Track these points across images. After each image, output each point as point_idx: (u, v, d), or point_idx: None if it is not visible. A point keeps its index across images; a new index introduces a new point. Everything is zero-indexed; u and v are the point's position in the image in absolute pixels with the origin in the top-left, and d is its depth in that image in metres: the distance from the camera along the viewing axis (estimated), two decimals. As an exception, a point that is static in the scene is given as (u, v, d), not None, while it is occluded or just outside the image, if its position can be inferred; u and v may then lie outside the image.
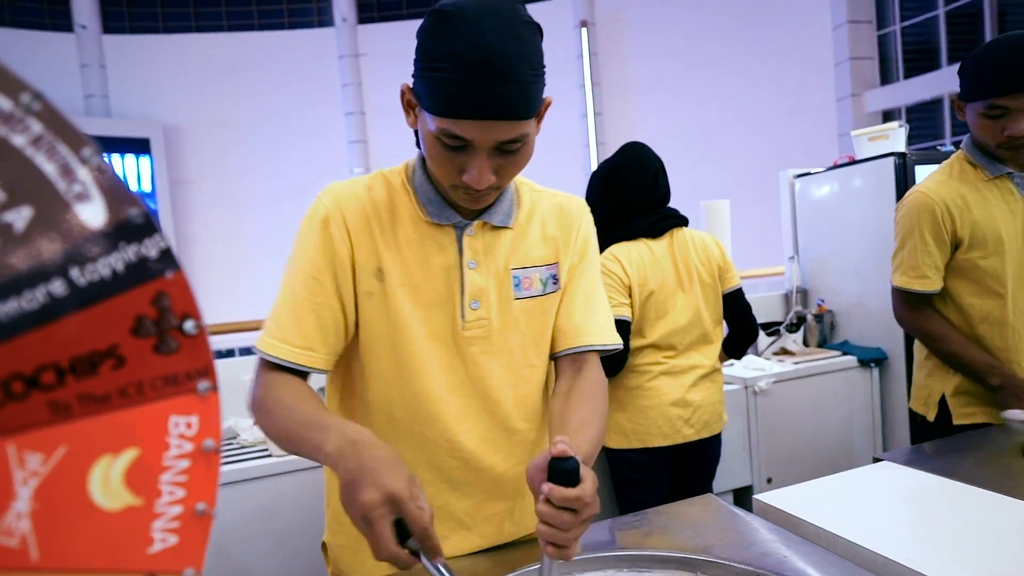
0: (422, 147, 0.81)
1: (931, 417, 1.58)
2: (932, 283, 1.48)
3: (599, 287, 0.96)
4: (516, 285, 0.89)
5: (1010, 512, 0.94)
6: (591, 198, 1.96)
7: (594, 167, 9.32)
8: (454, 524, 0.92)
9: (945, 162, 1.53)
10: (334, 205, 0.84)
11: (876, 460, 1.26)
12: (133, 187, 8.20)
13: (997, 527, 0.90)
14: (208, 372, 0.51)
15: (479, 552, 0.94)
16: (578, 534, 0.66)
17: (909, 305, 1.53)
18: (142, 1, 8.69)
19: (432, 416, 0.87)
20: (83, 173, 0.44)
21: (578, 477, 0.65)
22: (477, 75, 0.70)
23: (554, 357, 0.94)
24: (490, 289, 0.87)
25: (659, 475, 1.86)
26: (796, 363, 2.58)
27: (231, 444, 2.02)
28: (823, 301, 2.88)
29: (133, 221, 0.46)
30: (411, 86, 0.79)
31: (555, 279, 0.92)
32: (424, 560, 0.63)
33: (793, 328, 2.71)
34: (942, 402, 1.55)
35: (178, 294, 0.47)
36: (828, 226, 2.90)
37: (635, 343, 1.81)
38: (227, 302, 8.62)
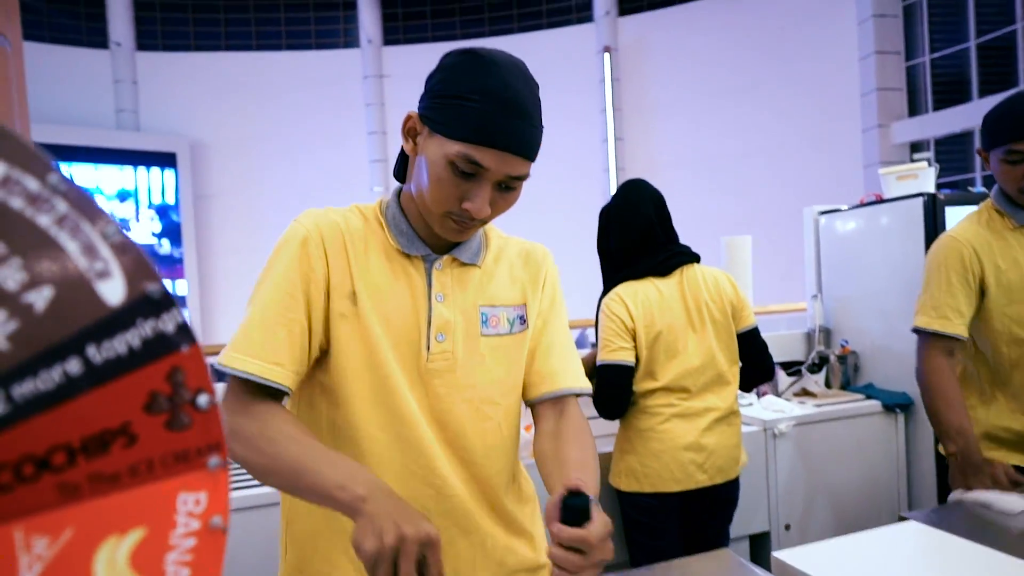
0: (422, 173, 0.83)
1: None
2: (952, 326, 1.47)
3: (569, 333, 1.00)
4: (484, 322, 0.91)
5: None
6: (598, 239, 1.94)
7: (614, 192, 9.33)
8: None
9: (974, 210, 1.56)
10: (313, 226, 0.87)
11: (902, 519, 1.22)
12: (157, 200, 8.35)
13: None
14: (219, 447, 0.50)
15: None
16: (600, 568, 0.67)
17: (925, 348, 1.52)
18: (176, 20, 8.92)
19: (410, 441, 0.87)
20: (105, 251, 0.44)
21: (587, 515, 0.66)
22: (506, 111, 0.77)
23: (533, 403, 0.96)
24: (457, 324, 0.89)
25: (670, 520, 1.81)
26: (818, 405, 2.52)
27: (236, 467, 2.01)
28: (847, 342, 2.83)
29: (152, 296, 0.45)
30: (420, 115, 0.83)
31: (523, 319, 0.95)
32: None
33: (815, 369, 2.65)
34: None
35: (192, 368, 0.47)
36: (853, 265, 2.85)
37: (647, 385, 1.77)
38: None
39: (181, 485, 0.47)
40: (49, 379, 0.43)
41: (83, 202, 0.44)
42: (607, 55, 8.95)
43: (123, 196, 8.29)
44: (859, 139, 7.44)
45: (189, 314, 8.48)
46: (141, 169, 8.33)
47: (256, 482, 1.82)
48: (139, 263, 0.45)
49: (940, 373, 1.49)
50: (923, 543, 1.07)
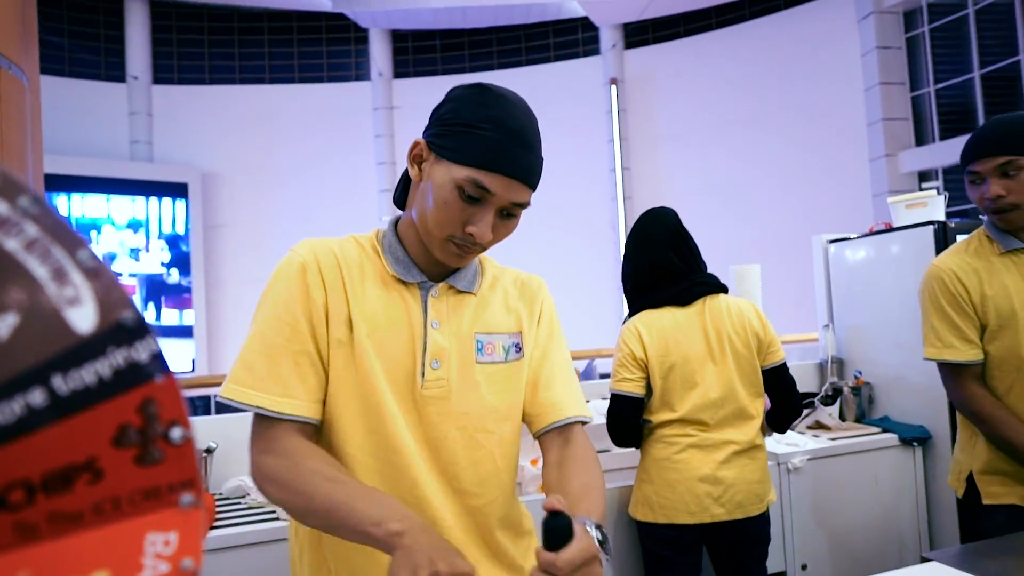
0: (427, 198, 0.85)
1: (960, 494, 1.55)
2: (962, 352, 1.48)
3: (570, 363, 1.01)
4: (479, 349, 0.91)
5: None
6: (622, 267, 1.93)
7: (621, 221, 9.30)
8: None
9: (966, 237, 1.60)
10: (310, 254, 0.88)
11: (924, 559, 1.16)
12: (168, 230, 8.44)
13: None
14: (193, 484, 0.47)
15: None
16: None
17: (952, 379, 1.51)
18: (192, 54, 9.13)
19: (401, 469, 0.87)
20: (77, 276, 0.42)
21: (568, 536, 0.65)
22: (513, 140, 0.82)
23: (538, 435, 0.95)
24: (452, 351, 0.89)
25: (688, 554, 1.75)
26: (832, 439, 2.46)
27: (238, 504, 1.97)
28: (860, 373, 2.77)
29: (125, 324, 0.43)
30: (428, 142, 0.86)
31: (518, 347, 0.95)
32: None
33: (829, 401, 2.59)
34: (970, 479, 1.53)
35: (166, 400, 0.45)
36: (864, 294, 2.80)
37: (664, 416, 1.74)
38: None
39: (150, 524, 0.44)
40: (9, 411, 0.40)
41: (56, 227, 0.42)
42: (614, 87, 9.06)
43: (134, 226, 8.38)
44: (867, 168, 7.43)
45: (196, 344, 8.49)
46: (152, 199, 8.44)
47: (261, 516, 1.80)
48: (113, 289, 0.43)
49: (983, 400, 1.47)
50: None
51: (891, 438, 2.50)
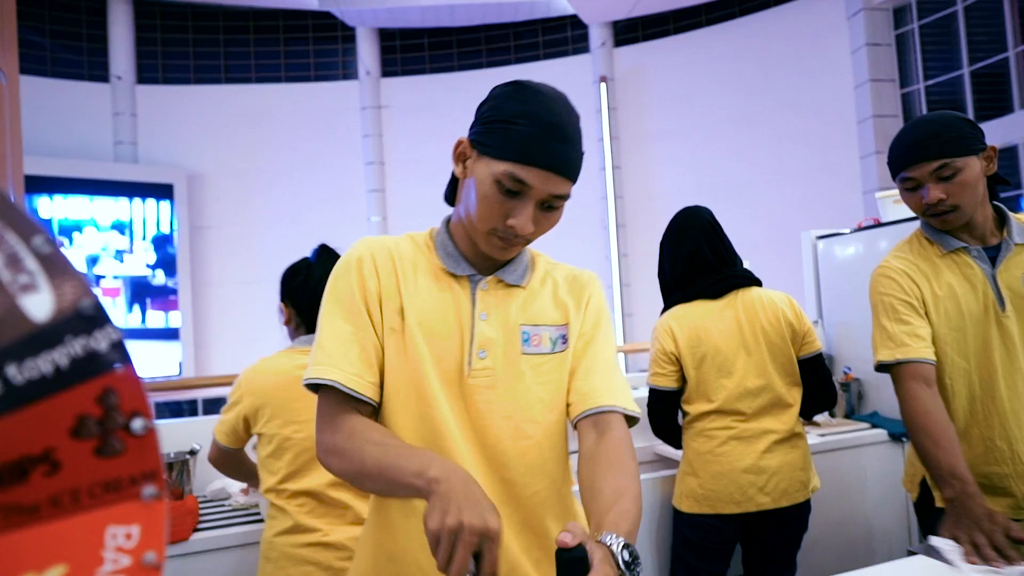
0: (470, 194, 0.89)
1: (914, 497, 1.52)
2: (914, 350, 1.37)
3: (615, 356, 1.00)
4: (525, 340, 0.93)
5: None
6: (658, 266, 1.98)
7: (612, 220, 9.27)
8: None
9: (903, 240, 1.54)
10: (366, 250, 0.95)
11: (910, 552, 1.18)
12: (153, 231, 8.36)
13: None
14: (155, 476, 0.46)
15: None
16: None
17: (897, 381, 1.41)
18: (176, 53, 9.05)
19: (448, 454, 0.89)
20: (32, 263, 0.41)
21: (587, 564, 0.63)
22: (550, 134, 0.84)
23: (575, 423, 0.95)
24: (499, 341, 0.92)
25: (725, 544, 1.79)
26: (822, 435, 2.46)
27: (222, 506, 1.94)
28: (849, 369, 2.77)
29: (84, 312, 0.42)
30: (471, 140, 0.90)
31: (564, 339, 0.96)
32: None
33: (817, 395, 2.59)
34: (923, 483, 1.49)
35: (127, 390, 0.42)
36: (853, 289, 2.81)
37: (702, 407, 1.79)
38: (240, 348, 8.62)
39: (110, 517, 0.43)
40: (-42, 401, 0.39)
41: (11, 213, 0.41)
42: (603, 85, 9.06)
43: (119, 227, 8.29)
44: (858, 165, 7.47)
45: (183, 346, 8.41)
46: (137, 201, 8.35)
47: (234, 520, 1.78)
48: (71, 277, 0.42)
49: (922, 406, 1.34)
50: None
51: (880, 434, 2.51)
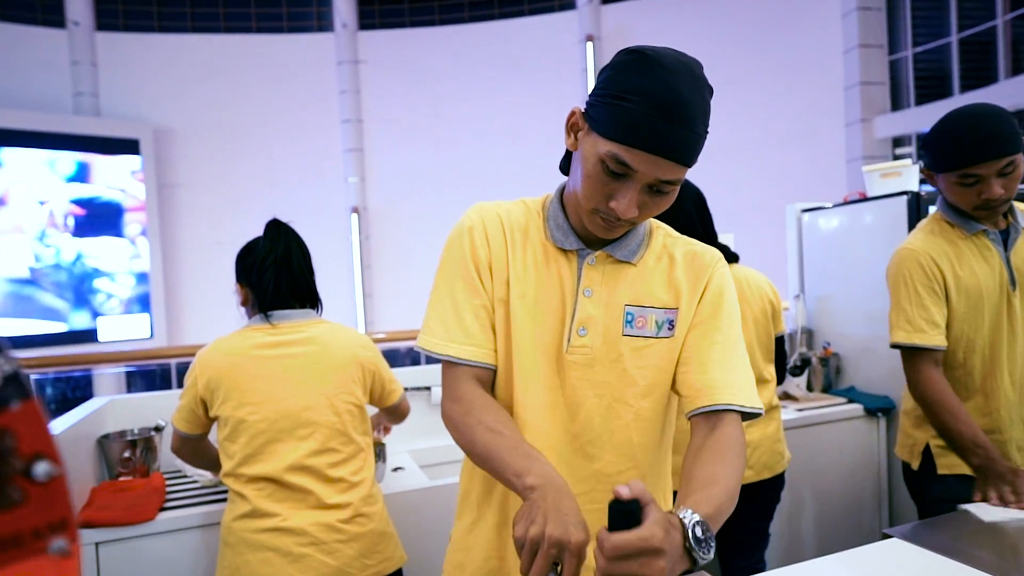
0: (577, 169, 0.86)
1: (915, 466, 1.62)
2: (930, 337, 1.50)
3: (739, 346, 0.92)
4: (629, 321, 0.91)
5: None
6: None
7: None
8: None
9: (923, 222, 1.61)
10: (478, 217, 0.94)
11: (885, 536, 1.20)
12: (120, 189, 8.05)
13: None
14: (65, 526, 0.39)
15: None
16: None
17: (911, 363, 1.53)
18: (140, -1, 8.59)
19: (536, 425, 0.91)
20: None
21: (631, 521, 0.62)
22: (663, 114, 0.76)
23: (688, 417, 0.91)
24: (600, 319, 0.90)
25: None
26: (799, 410, 2.45)
27: (189, 484, 1.88)
28: (829, 344, 2.76)
29: (-29, 340, 0.35)
30: (583, 111, 0.85)
31: (671, 325, 0.92)
32: None
33: (797, 371, 2.58)
34: (927, 451, 1.60)
35: (27, 430, 0.36)
36: (836, 264, 2.78)
37: None
38: (213, 313, 8.46)
39: (13, 576, 0.36)
40: None
41: None
42: (590, 44, 8.84)
43: (81, 179, 7.98)
44: (842, 134, 7.42)
45: (152, 311, 8.22)
46: (100, 156, 8.02)
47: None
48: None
49: (937, 386, 1.49)
50: (907, 563, 1.06)
51: (856, 408, 2.51)
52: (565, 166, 0.96)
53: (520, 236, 0.93)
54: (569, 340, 0.90)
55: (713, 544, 0.68)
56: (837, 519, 2.50)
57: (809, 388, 2.71)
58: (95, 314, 7.86)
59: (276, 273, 1.47)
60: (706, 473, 0.79)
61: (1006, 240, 1.53)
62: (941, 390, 1.48)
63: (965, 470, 1.52)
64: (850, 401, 2.57)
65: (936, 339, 1.49)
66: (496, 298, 0.92)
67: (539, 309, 0.91)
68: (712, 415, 0.87)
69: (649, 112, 0.76)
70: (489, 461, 0.82)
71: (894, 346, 1.55)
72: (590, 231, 0.89)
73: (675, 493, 1.03)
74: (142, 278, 8.23)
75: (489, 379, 0.92)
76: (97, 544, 1.57)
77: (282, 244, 1.49)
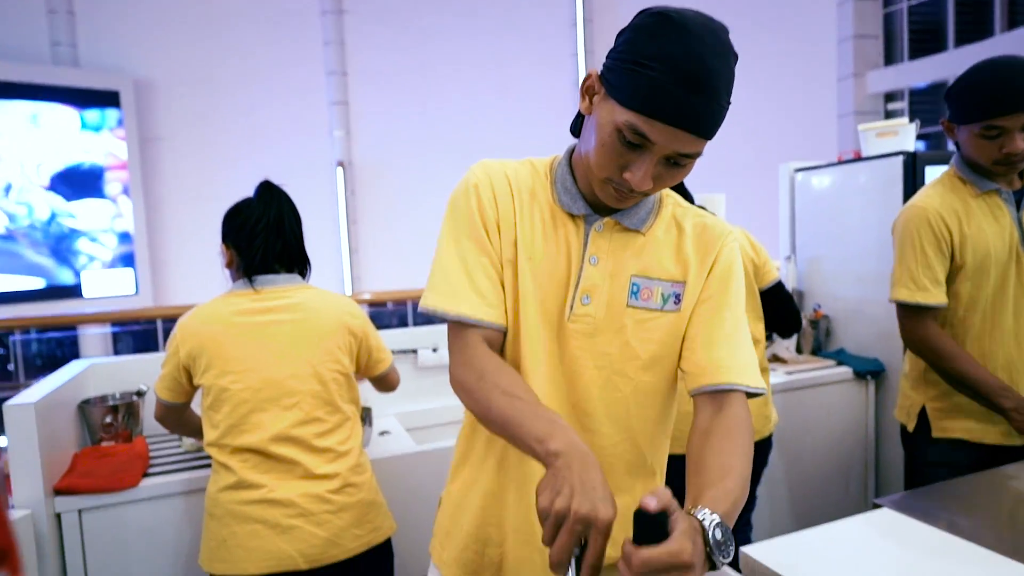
0: (591, 135, 0.81)
1: (911, 428, 1.64)
2: (934, 296, 1.50)
3: (745, 324, 0.91)
4: (634, 293, 0.88)
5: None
6: None
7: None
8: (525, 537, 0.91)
9: (936, 178, 1.60)
10: (484, 175, 0.89)
11: (875, 506, 1.18)
12: (101, 146, 7.82)
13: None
14: (6, 558, 0.36)
15: None
16: None
17: (914, 321, 1.53)
18: (114, -58, 8.18)
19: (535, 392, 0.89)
20: None
21: (658, 535, 0.59)
22: (686, 84, 0.72)
23: (692, 396, 0.89)
24: (604, 289, 0.87)
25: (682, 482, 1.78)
26: (789, 372, 2.46)
27: (173, 449, 1.86)
28: (819, 306, 2.75)
29: None
30: (600, 74, 0.80)
31: (677, 299, 0.89)
32: None
33: (787, 333, 2.57)
34: (923, 413, 1.61)
35: None
36: (828, 225, 2.75)
37: None
38: (199, 269, 8.34)
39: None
40: None
41: None
42: (580, -4, 8.57)
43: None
44: (834, 89, 7.29)
45: (138, 269, 8.09)
46: (80, 109, 7.77)
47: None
48: None
49: (945, 338, 1.51)
50: (897, 536, 1.05)
51: (846, 372, 2.52)
52: (576, 128, 0.92)
53: (528, 197, 0.89)
54: (572, 308, 0.87)
55: (732, 546, 0.66)
56: (824, 483, 2.53)
57: (798, 350, 2.71)
58: (77, 273, 7.75)
59: (267, 238, 1.42)
60: (720, 463, 0.77)
61: (1019, 201, 1.52)
62: (953, 344, 1.50)
63: (960, 434, 1.54)
64: (839, 364, 2.58)
65: (939, 297, 1.50)
66: (504, 259, 0.88)
67: (544, 274, 0.87)
68: (718, 395, 0.85)
69: (671, 81, 0.71)
70: (508, 427, 0.78)
71: (895, 302, 1.55)
72: (600, 199, 0.85)
73: (672, 458, 1.02)
74: (124, 237, 8.09)
75: (499, 342, 0.88)
76: (80, 511, 1.56)
77: (275, 208, 1.44)
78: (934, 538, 1.02)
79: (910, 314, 1.54)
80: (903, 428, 1.68)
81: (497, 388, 0.80)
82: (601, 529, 0.63)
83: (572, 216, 0.88)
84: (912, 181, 2.39)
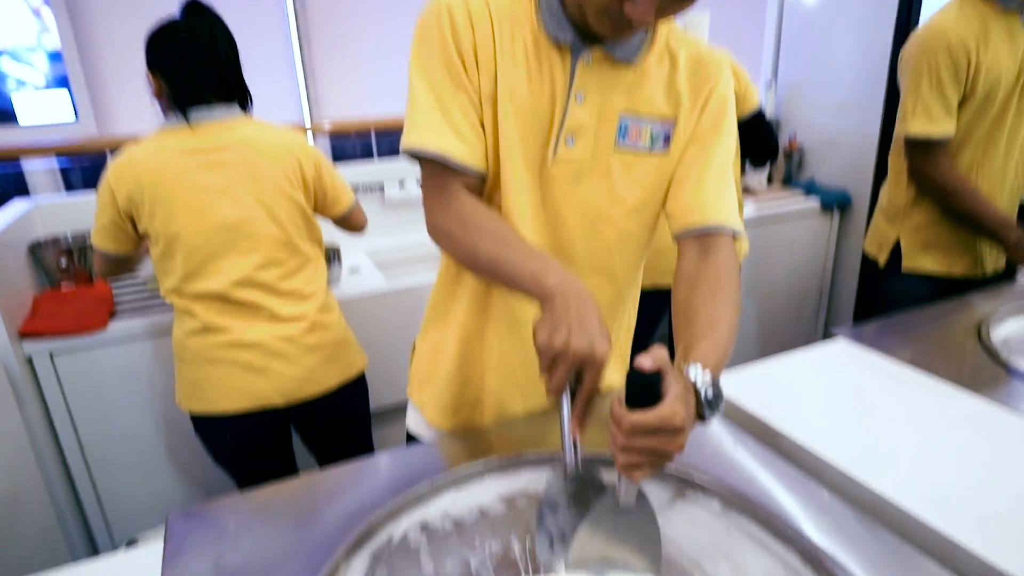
0: None
1: (882, 261, 1.63)
2: (945, 127, 1.44)
3: (731, 166, 0.85)
4: (623, 133, 0.81)
5: (961, 408, 0.92)
6: None
7: None
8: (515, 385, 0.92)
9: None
10: None
11: (830, 335, 1.21)
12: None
13: (951, 423, 0.88)
14: None
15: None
16: (662, 464, 0.60)
17: (925, 157, 1.47)
18: None
19: None
20: None
21: (650, 397, 0.58)
22: None
23: (676, 238, 0.84)
24: (591, 128, 0.80)
25: (659, 312, 1.81)
26: (759, 205, 2.45)
27: (139, 290, 1.83)
28: (795, 135, 2.68)
29: None
30: None
31: (666, 140, 0.83)
32: (565, 410, 0.66)
33: (759, 163, 2.53)
34: (896, 247, 1.59)
35: None
36: (814, 50, 2.60)
37: None
38: (140, 92, 7.60)
39: None
40: None
41: None
42: None
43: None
44: None
45: (74, 91, 7.45)
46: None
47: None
48: None
49: (955, 172, 1.47)
50: (852, 367, 1.06)
51: (813, 205, 2.53)
52: None
53: (508, 24, 0.78)
54: (556, 151, 0.80)
55: (723, 403, 0.66)
56: (781, 313, 2.65)
57: (769, 180, 2.69)
58: (8, 98, 7.14)
59: (199, 66, 1.27)
60: (708, 313, 0.74)
61: None
62: (960, 176, 1.46)
63: (929, 266, 1.55)
64: (807, 194, 2.58)
65: (951, 127, 1.44)
66: (484, 95, 0.79)
67: (526, 112, 0.79)
68: (704, 237, 0.81)
69: None
70: (498, 268, 0.74)
71: (906, 136, 1.47)
72: (593, 29, 0.75)
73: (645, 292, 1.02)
74: (56, 57, 7.36)
75: (479, 189, 0.82)
76: (52, 354, 1.56)
77: (206, 31, 1.26)
78: (890, 368, 1.04)
79: (921, 150, 1.47)
80: (869, 261, 1.68)
81: (482, 231, 0.77)
82: (598, 366, 0.64)
83: (558, 47, 0.79)
84: (907, 7, 2.23)
